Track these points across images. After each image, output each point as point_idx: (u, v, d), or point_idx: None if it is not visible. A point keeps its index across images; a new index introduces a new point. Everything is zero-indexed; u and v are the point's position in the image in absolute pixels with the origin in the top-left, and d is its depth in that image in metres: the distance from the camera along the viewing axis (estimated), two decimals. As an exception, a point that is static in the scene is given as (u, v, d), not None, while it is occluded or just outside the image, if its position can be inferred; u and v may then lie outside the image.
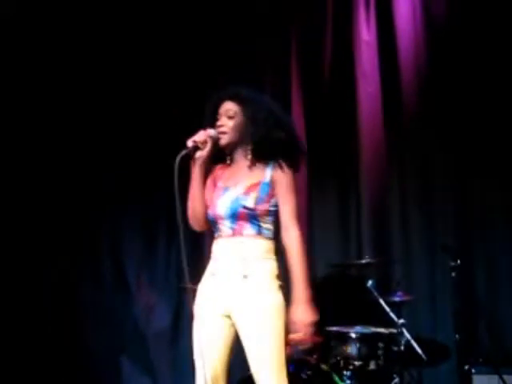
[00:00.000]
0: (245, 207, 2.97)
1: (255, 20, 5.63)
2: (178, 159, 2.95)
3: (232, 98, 3.12)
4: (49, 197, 5.89)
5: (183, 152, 2.99)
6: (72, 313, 5.92)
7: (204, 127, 3.08)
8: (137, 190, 5.84)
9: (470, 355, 4.33)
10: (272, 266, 3.00)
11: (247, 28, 5.61)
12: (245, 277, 2.94)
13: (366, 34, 5.37)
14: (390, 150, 5.26)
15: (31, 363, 5.65)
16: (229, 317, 2.99)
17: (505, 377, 4.06)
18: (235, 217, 2.98)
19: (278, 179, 3.03)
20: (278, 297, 2.97)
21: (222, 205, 3.02)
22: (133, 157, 5.84)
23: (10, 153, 5.72)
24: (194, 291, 3.16)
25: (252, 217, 2.98)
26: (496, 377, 4.07)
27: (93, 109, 5.90)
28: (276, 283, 2.99)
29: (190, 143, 3.02)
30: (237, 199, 2.99)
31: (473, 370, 4.18)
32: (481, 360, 4.28)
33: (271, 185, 3.02)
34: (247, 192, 2.99)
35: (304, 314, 2.93)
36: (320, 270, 5.31)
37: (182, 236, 2.91)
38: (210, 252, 3.13)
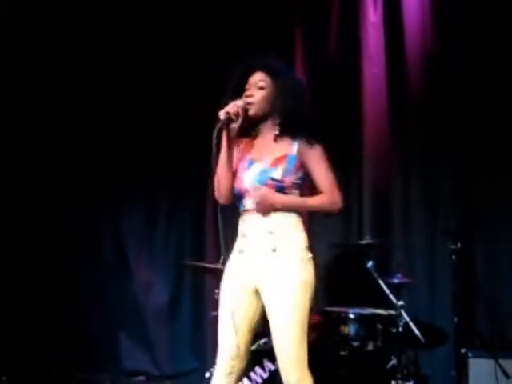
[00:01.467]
0: (273, 179, 2.96)
1: (261, 1, 5.59)
2: (215, 134, 2.93)
3: (263, 69, 3.11)
4: (49, 175, 5.91)
5: (219, 125, 2.96)
6: (72, 289, 5.94)
7: (231, 97, 3.06)
8: (137, 168, 5.84)
9: (467, 339, 4.34)
10: (301, 238, 3.02)
11: (252, 9, 5.58)
12: (274, 250, 2.95)
13: (372, 15, 5.33)
14: (393, 132, 5.24)
15: (31, 340, 5.69)
16: (257, 292, 3.00)
17: (501, 361, 4.06)
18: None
19: (306, 153, 3.03)
20: (307, 270, 2.98)
21: (248, 178, 3.02)
22: (133, 136, 5.85)
23: (9, 143, 5.77)
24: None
25: (279, 189, 2.98)
26: (493, 361, 4.07)
27: (91, 94, 5.92)
28: (306, 255, 3.00)
29: (222, 115, 2.98)
30: (264, 171, 2.99)
31: (469, 354, 4.19)
32: (478, 344, 4.29)
33: (298, 157, 3.02)
34: (275, 164, 2.99)
35: (273, 195, 2.96)
36: (320, 249, 5.31)
37: (220, 217, 2.93)
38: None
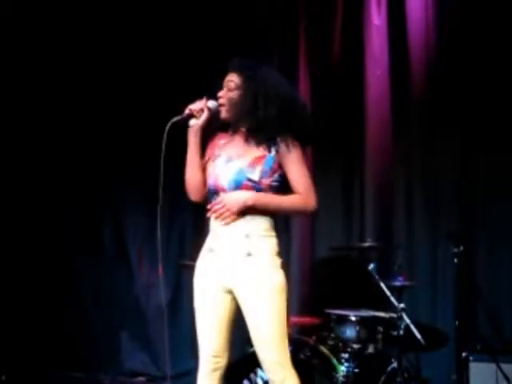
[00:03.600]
0: (250, 180, 2.93)
1: (264, 2, 5.59)
2: (168, 125, 2.99)
3: (235, 70, 3.10)
4: (50, 172, 5.92)
5: (175, 118, 3.02)
6: (72, 289, 5.95)
7: (208, 97, 3.08)
8: (139, 166, 5.84)
9: (468, 342, 4.33)
10: (274, 243, 3.00)
11: (256, 10, 5.59)
12: (248, 255, 2.93)
13: (376, 17, 5.33)
14: (396, 134, 5.23)
15: (30, 339, 5.69)
16: (230, 292, 3.00)
17: (502, 365, 4.05)
18: (239, 189, 2.94)
19: (285, 153, 2.98)
20: (280, 274, 2.97)
21: (224, 176, 2.98)
22: (134, 134, 5.85)
23: (9, 139, 5.81)
24: (191, 267, 3.16)
25: (256, 190, 2.94)
26: (494, 365, 4.06)
27: (91, 90, 5.96)
28: (278, 261, 2.99)
29: (186, 111, 3.04)
30: (242, 171, 2.95)
31: (470, 358, 4.17)
32: (478, 347, 4.27)
33: (276, 159, 2.98)
34: (253, 164, 2.95)
35: (243, 195, 2.92)
36: (322, 252, 5.32)
37: (160, 202, 3.10)
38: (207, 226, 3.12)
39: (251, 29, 5.55)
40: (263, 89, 3.00)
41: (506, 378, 4.02)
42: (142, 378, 5.83)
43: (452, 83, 5.06)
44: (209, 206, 3.01)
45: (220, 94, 3.08)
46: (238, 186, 2.94)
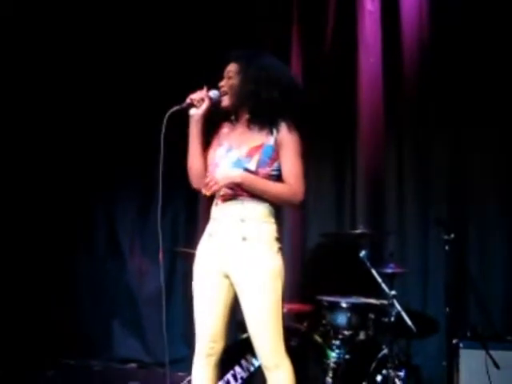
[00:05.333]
0: (247, 169, 2.95)
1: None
2: (168, 113, 2.99)
3: (232, 59, 3.14)
4: (44, 169, 5.91)
5: (175, 107, 3.03)
6: (64, 276, 5.94)
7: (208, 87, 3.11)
8: (131, 157, 5.84)
9: (458, 329, 4.35)
10: (271, 228, 3.02)
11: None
12: (244, 239, 2.95)
13: (369, 4, 5.31)
14: (388, 122, 5.24)
15: (24, 326, 5.69)
16: (227, 277, 3.02)
17: (492, 352, 4.06)
18: None
19: (284, 142, 3.01)
20: (277, 259, 2.99)
21: (223, 165, 3.01)
22: (125, 125, 5.84)
23: (8, 131, 5.79)
24: (190, 255, 3.17)
25: None
26: (483, 352, 4.08)
27: (87, 84, 5.95)
28: (275, 246, 3.00)
29: (187, 100, 3.06)
30: (239, 161, 2.97)
31: (461, 345, 4.19)
32: (469, 334, 4.29)
33: (275, 148, 3.00)
34: (250, 154, 2.97)
35: (234, 172, 2.94)
36: (313, 238, 5.32)
37: (160, 192, 3.04)
38: (209, 213, 3.13)
39: (241, 16, 5.53)
40: (264, 73, 3.03)
41: (496, 364, 4.04)
42: (133, 365, 5.84)
43: (444, 69, 5.07)
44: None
45: (221, 83, 3.12)
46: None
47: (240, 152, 3.00)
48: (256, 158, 2.96)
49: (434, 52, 5.13)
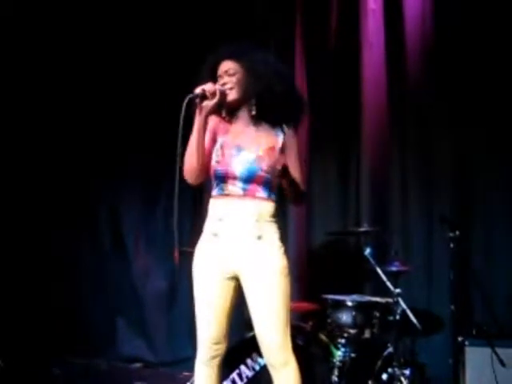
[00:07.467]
0: (263, 170, 2.97)
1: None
2: (186, 100, 2.89)
3: (229, 57, 3.09)
4: (48, 163, 5.91)
5: (191, 95, 2.92)
6: (69, 274, 5.95)
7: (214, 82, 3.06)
8: (136, 155, 5.84)
9: (464, 327, 4.35)
10: (278, 228, 3.05)
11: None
12: (259, 238, 2.96)
13: (372, 2, 5.31)
14: (392, 120, 5.23)
15: (27, 324, 5.70)
16: (234, 278, 3.01)
17: (498, 350, 4.07)
18: (251, 179, 2.98)
19: (290, 145, 3.08)
20: (286, 258, 3.02)
21: (237, 164, 2.99)
22: (131, 120, 5.84)
23: (4, 130, 5.80)
24: (191, 254, 3.16)
25: (267, 180, 2.99)
26: (489, 350, 4.08)
27: (93, 73, 5.93)
28: (283, 245, 3.04)
29: (198, 90, 2.95)
30: (254, 162, 2.98)
31: (466, 342, 4.19)
32: (474, 332, 4.29)
33: (281, 151, 3.06)
34: (264, 156, 2.99)
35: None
36: (318, 237, 5.32)
37: (177, 190, 2.89)
38: (206, 211, 3.10)
39: (247, 12, 5.53)
40: (260, 65, 3.04)
41: (502, 362, 4.04)
42: (138, 364, 5.84)
43: (448, 67, 5.05)
44: None
45: (222, 81, 3.06)
46: (252, 175, 2.98)
47: (253, 153, 2.99)
48: (270, 159, 2.99)
49: (438, 50, 5.12)
